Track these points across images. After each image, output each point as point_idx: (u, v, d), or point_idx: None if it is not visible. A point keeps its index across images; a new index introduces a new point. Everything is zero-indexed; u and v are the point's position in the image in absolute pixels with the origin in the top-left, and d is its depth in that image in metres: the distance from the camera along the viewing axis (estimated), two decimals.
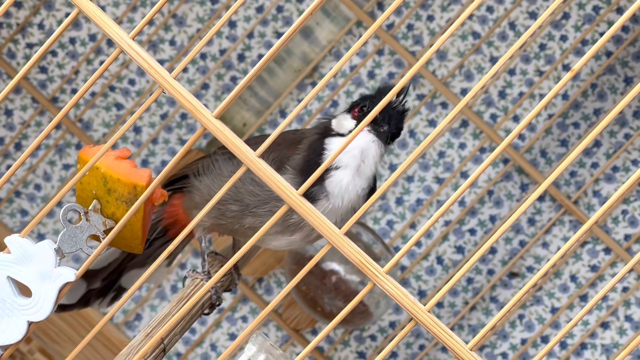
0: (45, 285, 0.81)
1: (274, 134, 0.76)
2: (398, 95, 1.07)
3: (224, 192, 0.78)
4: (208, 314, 1.14)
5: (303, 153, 1.07)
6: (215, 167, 1.11)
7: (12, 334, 0.82)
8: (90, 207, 0.83)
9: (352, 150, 1.05)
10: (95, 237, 0.83)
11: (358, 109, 1.08)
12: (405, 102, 1.08)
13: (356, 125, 1.06)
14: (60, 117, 0.78)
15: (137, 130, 1.54)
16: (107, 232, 0.83)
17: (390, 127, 1.05)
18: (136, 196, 0.82)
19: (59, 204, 1.56)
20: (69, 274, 0.80)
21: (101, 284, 1.23)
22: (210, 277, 1.09)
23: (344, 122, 1.08)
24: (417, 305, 0.77)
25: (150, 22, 1.51)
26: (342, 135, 1.07)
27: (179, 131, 1.54)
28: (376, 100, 1.06)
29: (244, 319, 1.57)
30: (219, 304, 1.13)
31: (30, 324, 0.81)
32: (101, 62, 1.50)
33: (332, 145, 1.06)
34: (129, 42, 0.77)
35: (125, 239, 0.85)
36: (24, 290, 0.82)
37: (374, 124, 1.06)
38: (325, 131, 1.09)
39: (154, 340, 0.84)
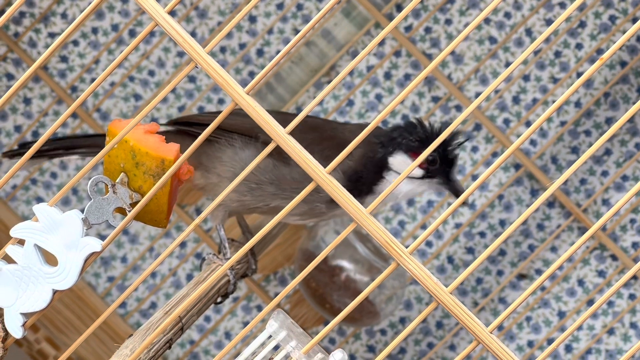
0: (71, 255, 0.82)
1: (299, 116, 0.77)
2: (454, 140, 1.12)
3: (248, 171, 0.79)
4: (220, 302, 1.14)
5: (356, 164, 1.10)
6: (234, 147, 1.13)
7: (37, 301, 0.82)
8: (117, 180, 0.84)
9: (409, 193, 1.14)
10: (121, 210, 0.84)
11: (427, 163, 1.12)
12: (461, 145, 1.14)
13: (424, 175, 1.13)
14: (78, 104, 0.79)
15: (153, 121, 1.55)
16: (133, 205, 0.84)
17: (456, 179, 1.14)
18: (164, 170, 0.83)
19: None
20: (95, 244, 0.82)
21: None
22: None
23: (407, 167, 1.10)
24: (439, 287, 0.78)
25: (173, 14, 1.53)
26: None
27: None
28: (440, 152, 1.12)
29: (259, 308, 1.58)
30: (233, 291, 1.14)
31: (55, 292, 0.82)
32: (120, 52, 1.52)
33: (392, 179, 1.12)
34: (164, 15, 0.78)
35: (151, 213, 0.86)
36: (50, 259, 0.83)
37: (443, 175, 1.13)
38: (384, 160, 1.12)
39: (172, 317, 0.85)
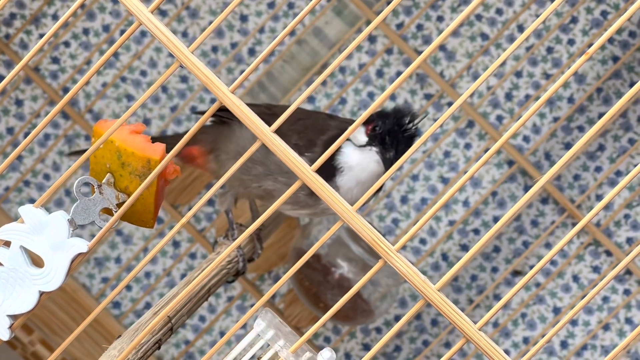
0: (57, 256, 0.81)
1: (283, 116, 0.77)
2: (410, 120, 1.13)
3: (238, 166, 0.79)
4: (232, 281, 1.20)
5: (320, 149, 1.11)
6: (241, 127, 1.15)
7: (23, 303, 0.82)
8: (103, 181, 0.84)
9: (357, 166, 1.12)
10: (108, 211, 0.84)
11: (371, 127, 1.13)
12: (416, 128, 1.13)
13: (367, 143, 1.13)
14: (66, 101, 0.79)
15: (146, 122, 1.55)
16: (119, 205, 0.83)
17: (396, 153, 1.11)
18: (150, 170, 0.83)
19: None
20: (82, 245, 0.81)
21: None
22: (240, 245, 1.13)
23: (358, 135, 1.13)
24: (427, 284, 0.78)
25: (164, 14, 1.53)
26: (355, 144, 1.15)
27: (188, 124, 1.55)
28: (389, 121, 1.12)
29: None
30: (244, 272, 1.17)
31: (41, 294, 0.82)
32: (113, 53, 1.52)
33: (345, 151, 1.13)
34: (147, 15, 0.78)
35: (137, 213, 0.86)
36: (36, 261, 0.83)
37: (383, 147, 1.12)
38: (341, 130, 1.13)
39: (160, 318, 0.84)
